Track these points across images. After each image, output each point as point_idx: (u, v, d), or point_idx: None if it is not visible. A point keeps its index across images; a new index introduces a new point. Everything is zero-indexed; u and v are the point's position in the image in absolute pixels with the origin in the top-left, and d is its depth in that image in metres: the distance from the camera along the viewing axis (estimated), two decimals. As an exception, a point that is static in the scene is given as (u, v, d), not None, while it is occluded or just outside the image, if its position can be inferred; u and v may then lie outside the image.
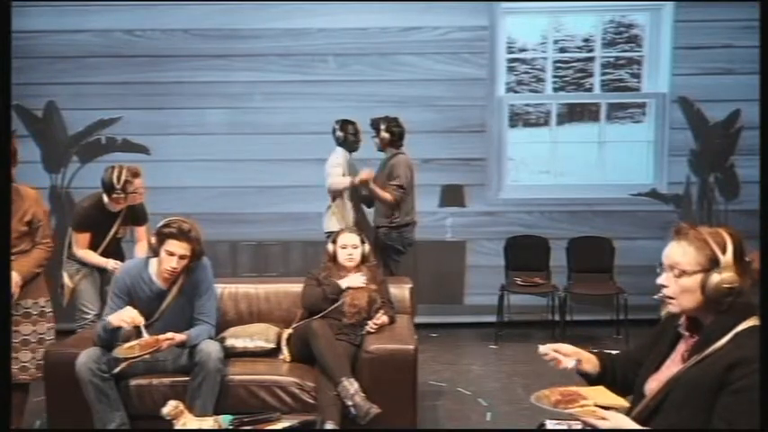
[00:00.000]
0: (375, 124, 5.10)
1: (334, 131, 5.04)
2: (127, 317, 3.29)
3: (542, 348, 2.20)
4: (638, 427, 1.91)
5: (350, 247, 3.99)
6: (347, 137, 5.02)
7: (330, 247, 4.05)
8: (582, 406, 1.95)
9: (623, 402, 2.00)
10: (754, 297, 1.96)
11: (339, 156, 5.00)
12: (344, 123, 5.04)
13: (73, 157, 5.93)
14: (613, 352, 2.43)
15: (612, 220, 5.88)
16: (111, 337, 3.34)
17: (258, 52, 5.80)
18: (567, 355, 2.18)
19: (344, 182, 4.94)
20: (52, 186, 5.91)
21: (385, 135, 5.06)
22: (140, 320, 3.29)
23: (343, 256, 3.99)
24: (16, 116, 5.76)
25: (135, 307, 3.43)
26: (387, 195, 4.93)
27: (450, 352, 5.32)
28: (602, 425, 1.90)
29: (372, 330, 3.74)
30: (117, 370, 3.33)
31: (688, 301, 1.93)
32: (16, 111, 5.74)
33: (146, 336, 3.27)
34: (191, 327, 3.47)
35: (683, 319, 2.02)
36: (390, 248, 5.04)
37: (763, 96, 4.64)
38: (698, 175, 5.94)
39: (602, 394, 2.02)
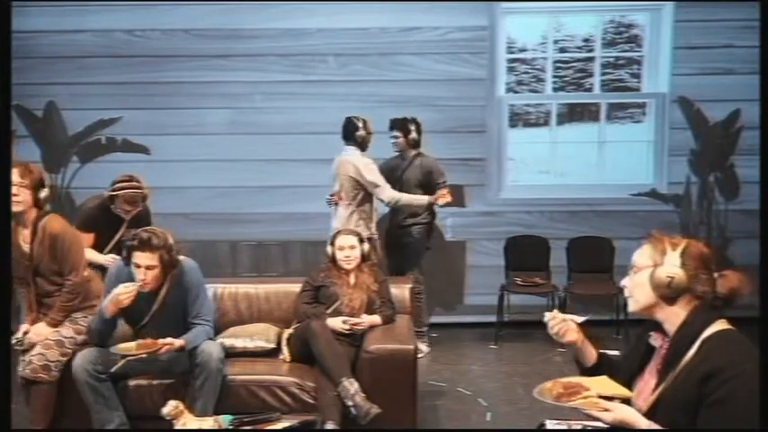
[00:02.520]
0: (402, 125, 5.08)
1: (355, 129, 4.86)
2: (119, 294, 3.24)
3: (549, 314, 2.20)
4: (641, 417, 1.90)
5: (347, 249, 3.99)
6: (366, 136, 4.90)
7: (329, 248, 4.05)
8: (585, 398, 1.93)
9: (626, 392, 1.99)
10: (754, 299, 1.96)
11: (363, 156, 4.86)
12: (365, 122, 4.90)
13: (73, 157, 5.93)
14: (613, 352, 2.43)
15: (612, 220, 5.87)
16: (107, 328, 3.33)
17: (258, 52, 5.79)
18: (571, 330, 2.19)
19: (422, 201, 4.93)
20: (52, 186, 5.90)
21: (415, 136, 5.10)
22: (132, 288, 3.25)
23: (340, 258, 3.99)
24: (16, 116, 5.76)
25: (126, 308, 3.37)
26: (448, 198, 4.96)
27: (451, 352, 5.32)
28: (605, 416, 1.90)
29: (347, 330, 3.73)
30: (115, 368, 3.33)
31: (640, 296, 2.01)
32: (16, 111, 5.74)
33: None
34: (185, 330, 3.44)
35: (653, 333, 2.03)
36: (421, 249, 5.14)
37: (763, 96, 4.65)
38: (698, 175, 5.93)
39: (604, 384, 2.01)
